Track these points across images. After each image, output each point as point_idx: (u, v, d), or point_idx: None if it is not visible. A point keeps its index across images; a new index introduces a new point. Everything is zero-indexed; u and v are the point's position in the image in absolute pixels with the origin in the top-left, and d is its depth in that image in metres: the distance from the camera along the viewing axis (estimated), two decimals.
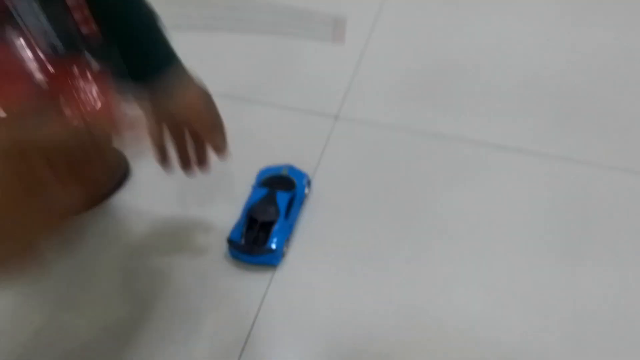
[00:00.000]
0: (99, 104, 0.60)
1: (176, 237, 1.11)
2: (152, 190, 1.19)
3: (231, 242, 0.99)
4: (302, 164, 1.19)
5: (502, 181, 1.15)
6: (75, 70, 0.62)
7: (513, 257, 1.03)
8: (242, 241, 0.99)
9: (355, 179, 1.20)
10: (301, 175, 1.09)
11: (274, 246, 0.98)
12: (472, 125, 1.27)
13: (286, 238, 1.00)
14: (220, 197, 1.14)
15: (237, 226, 1.01)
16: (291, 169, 1.10)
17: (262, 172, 1.11)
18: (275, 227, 0.99)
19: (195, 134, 0.87)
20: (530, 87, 1.33)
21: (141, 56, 0.80)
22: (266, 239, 0.98)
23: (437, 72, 1.39)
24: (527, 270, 1.01)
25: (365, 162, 1.24)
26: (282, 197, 1.02)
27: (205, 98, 0.88)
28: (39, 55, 0.61)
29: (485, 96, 1.31)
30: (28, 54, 0.61)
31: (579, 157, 1.17)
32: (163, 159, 0.89)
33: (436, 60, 1.41)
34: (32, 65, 0.60)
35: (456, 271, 1.04)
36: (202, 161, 0.91)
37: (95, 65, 0.67)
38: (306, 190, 1.09)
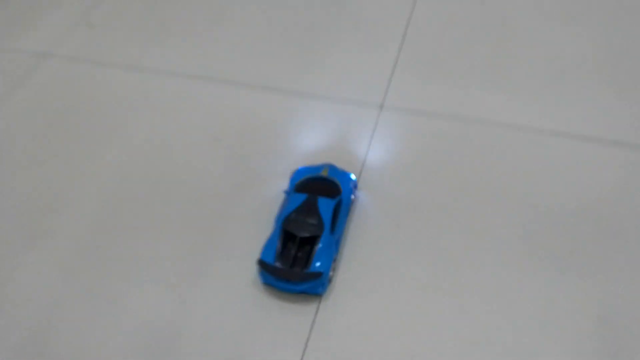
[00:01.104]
0: None
1: (189, 258, 0.85)
2: None
3: (263, 263, 0.73)
4: (345, 163, 0.93)
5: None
6: None
7: None
8: (277, 263, 0.73)
9: (411, 178, 0.94)
10: (346, 176, 0.86)
11: (318, 269, 0.71)
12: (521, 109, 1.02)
13: (333, 258, 0.75)
14: (245, 205, 0.88)
15: (270, 243, 0.75)
16: (332, 168, 0.88)
17: (298, 173, 0.84)
18: (320, 245, 0.72)
19: None
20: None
21: None
22: (308, 259, 0.72)
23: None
24: None
25: (419, 157, 0.98)
26: (325, 205, 0.76)
27: None
28: None
29: (534, 78, 1.05)
30: None
31: None
32: None
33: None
34: None
35: None
36: None
37: None
38: (353, 196, 0.84)
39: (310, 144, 0.99)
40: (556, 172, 0.94)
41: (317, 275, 0.74)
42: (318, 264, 0.74)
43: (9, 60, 1.21)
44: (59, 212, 0.93)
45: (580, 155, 0.98)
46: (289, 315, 0.78)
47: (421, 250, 0.84)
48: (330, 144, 1.00)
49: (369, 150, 0.99)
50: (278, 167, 0.93)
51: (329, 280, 0.78)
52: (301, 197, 0.80)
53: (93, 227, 0.90)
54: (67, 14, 1.32)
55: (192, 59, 1.19)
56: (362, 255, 0.83)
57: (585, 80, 1.11)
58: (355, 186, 0.90)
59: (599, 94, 1.08)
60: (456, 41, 1.21)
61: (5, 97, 1.13)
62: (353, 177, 0.90)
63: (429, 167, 0.97)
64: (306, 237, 0.76)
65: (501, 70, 1.14)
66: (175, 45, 1.24)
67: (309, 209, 0.77)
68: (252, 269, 0.80)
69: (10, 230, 0.90)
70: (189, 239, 0.87)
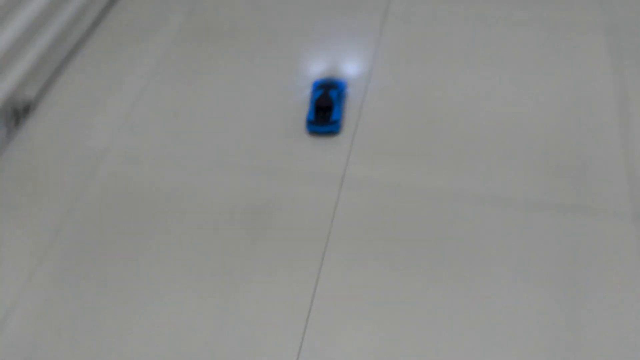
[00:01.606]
0: None
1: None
2: None
3: (310, 121, 1.36)
4: None
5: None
6: None
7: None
8: (315, 119, 1.35)
9: None
10: (341, 81, 1.45)
11: (335, 118, 1.35)
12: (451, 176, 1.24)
13: (341, 115, 1.37)
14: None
15: (310, 112, 1.37)
16: (332, 78, 1.47)
17: (316, 82, 1.45)
18: (334, 109, 1.35)
19: None
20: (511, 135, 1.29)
21: None
22: (330, 116, 1.35)
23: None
24: None
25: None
26: (332, 93, 1.39)
27: None
28: None
29: (471, 147, 1.27)
30: None
31: None
32: None
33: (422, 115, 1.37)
34: None
35: None
36: None
37: None
38: (346, 90, 1.45)
39: None
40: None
41: (335, 122, 1.34)
42: (334, 116, 1.34)
43: None
44: None
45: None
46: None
47: None
48: None
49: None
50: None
51: (341, 125, 1.36)
52: (320, 92, 1.38)
53: None
54: None
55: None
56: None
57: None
58: (346, 84, 1.45)
59: None
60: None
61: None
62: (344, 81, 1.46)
63: None
64: (326, 107, 1.34)
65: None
66: None
67: (326, 96, 1.36)
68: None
69: None
70: None
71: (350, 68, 1.48)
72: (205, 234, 1.18)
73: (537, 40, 1.50)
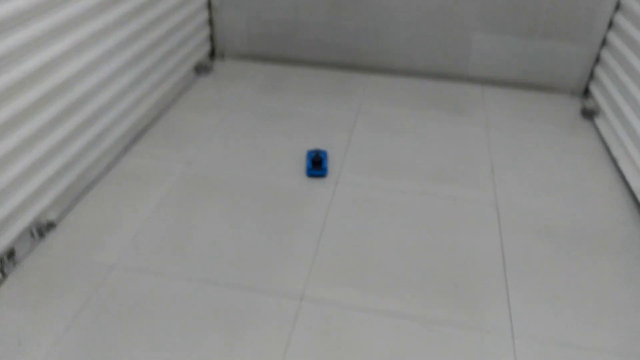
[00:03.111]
0: None
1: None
2: None
3: (309, 169, 2.14)
4: None
5: None
6: None
7: None
8: (312, 169, 2.15)
9: None
10: (324, 152, 2.25)
11: (324, 167, 2.15)
12: None
13: (327, 166, 2.20)
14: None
15: (308, 166, 2.15)
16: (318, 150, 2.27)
17: (309, 152, 2.24)
18: (323, 163, 2.15)
19: None
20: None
21: None
22: (321, 166, 2.15)
23: None
24: None
25: None
26: (322, 154, 2.20)
27: None
28: None
29: None
30: None
31: None
32: None
33: None
34: None
35: None
36: None
37: None
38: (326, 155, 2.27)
39: None
40: None
41: (324, 169, 2.14)
42: (324, 166, 2.14)
43: None
44: None
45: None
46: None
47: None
48: None
49: None
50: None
51: (327, 171, 2.17)
52: (313, 153, 2.18)
53: None
54: None
55: None
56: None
57: None
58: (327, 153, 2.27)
59: None
60: None
61: None
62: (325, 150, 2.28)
63: None
64: (318, 161, 2.14)
65: None
66: None
67: (317, 156, 2.15)
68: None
69: None
70: None
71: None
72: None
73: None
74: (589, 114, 2.59)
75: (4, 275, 1.64)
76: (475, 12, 2.69)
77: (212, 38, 3.06)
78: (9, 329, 1.49)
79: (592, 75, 2.73)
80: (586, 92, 2.78)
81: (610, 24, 2.57)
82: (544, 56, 2.74)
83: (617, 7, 2.52)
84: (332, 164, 2.19)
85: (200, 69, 2.92)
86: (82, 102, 1.95)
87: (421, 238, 1.84)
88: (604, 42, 2.62)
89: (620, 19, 2.48)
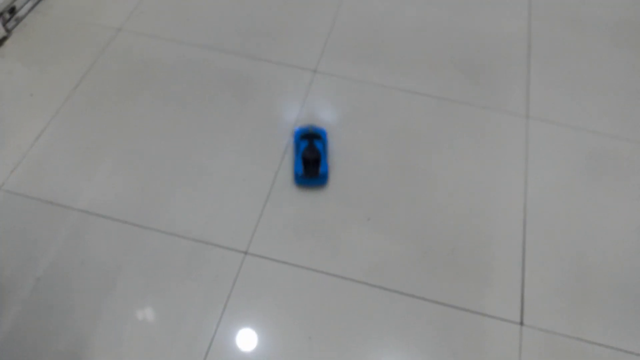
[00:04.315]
0: None
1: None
2: None
3: (298, 174, 1.31)
4: None
5: None
6: None
7: None
8: (304, 173, 1.31)
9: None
10: (322, 130, 1.40)
11: (323, 171, 1.31)
12: None
13: (327, 167, 1.33)
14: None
15: (297, 165, 1.31)
16: (313, 126, 1.40)
17: (298, 131, 1.39)
18: (322, 162, 1.31)
19: None
20: None
21: None
22: (316, 170, 1.30)
23: None
24: None
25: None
26: (318, 144, 1.34)
27: None
28: None
29: None
30: None
31: None
32: None
33: None
34: None
35: None
36: None
37: None
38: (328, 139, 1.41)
39: None
40: None
41: (324, 175, 1.30)
42: (323, 169, 1.29)
43: None
44: None
45: None
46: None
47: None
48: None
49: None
50: None
51: (328, 178, 1.33)
52: (305, 143, 1.32)
53: None
54: None
55: None
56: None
57: None
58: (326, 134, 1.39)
59: None
60: None
61: None
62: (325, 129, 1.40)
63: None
64: (314, 160, 1.28)
65: None
66: None
67: (312, 147, 1.30)
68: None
69: None
70: None
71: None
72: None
73: None
74: None
75: (8, 31, 1.58)
76: None
77: None
78: (20, 81, 1.47)
79: None
80: None
81: None
82: None
83: None
84: None
85: None
86: None
87: (445, 19, 1.73)
88: None
89: None
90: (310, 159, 1.28)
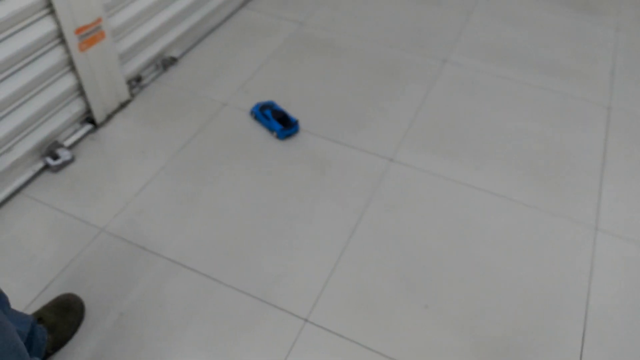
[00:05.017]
0: None
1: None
2: None
3: (279, 130, 1.72)
4: None
5: None
6: None
7: None
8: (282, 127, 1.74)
9: None
10: (271, 101, 1.83)
11: (293, 120, 1.75)
12: None
13: (294, 118, 1.78)
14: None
15: (275, 124, 1.73)
16: (263, 101, 1.83)
17: (255, 107, 1.81)
18: (288, 116, 1.76)
19: None
20: None
21: None
22: (290, 121, 1.75)
23: None
24: None
25: None
26: (276, 108, 1.80)
27: None
28: None
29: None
30: None
31: None
32: None
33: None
34: None
35: None
36: None
37: None
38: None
39: None
40: None
41: (296, 122, 1.74)
42: (293, 120, 1.73)
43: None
44: None
45: None
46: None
47: None
48: None
49: None
50: None
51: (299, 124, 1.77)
52: (267, 111, 1.77)
53: None
54: None
55: None
56: None
57: None
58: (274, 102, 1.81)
59: None
60: None
61: None
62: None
63: None
64: (284, 115, 1.74)
65: None
66: None
67: (274, 110, 1.76)
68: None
69: None
70: None
71: None
72: None
73: None
74: None
75: (132, 95, 1.84)
76: None
77: None
78: (135, 139, 1.70)
79: None
80: None
81: None
82: None
83: None
84: (443, 42, 2.15)
85: None
86: None
87: (522, 125, 1.81)
88: None
89: None
90: (282, 115, 1.74)
